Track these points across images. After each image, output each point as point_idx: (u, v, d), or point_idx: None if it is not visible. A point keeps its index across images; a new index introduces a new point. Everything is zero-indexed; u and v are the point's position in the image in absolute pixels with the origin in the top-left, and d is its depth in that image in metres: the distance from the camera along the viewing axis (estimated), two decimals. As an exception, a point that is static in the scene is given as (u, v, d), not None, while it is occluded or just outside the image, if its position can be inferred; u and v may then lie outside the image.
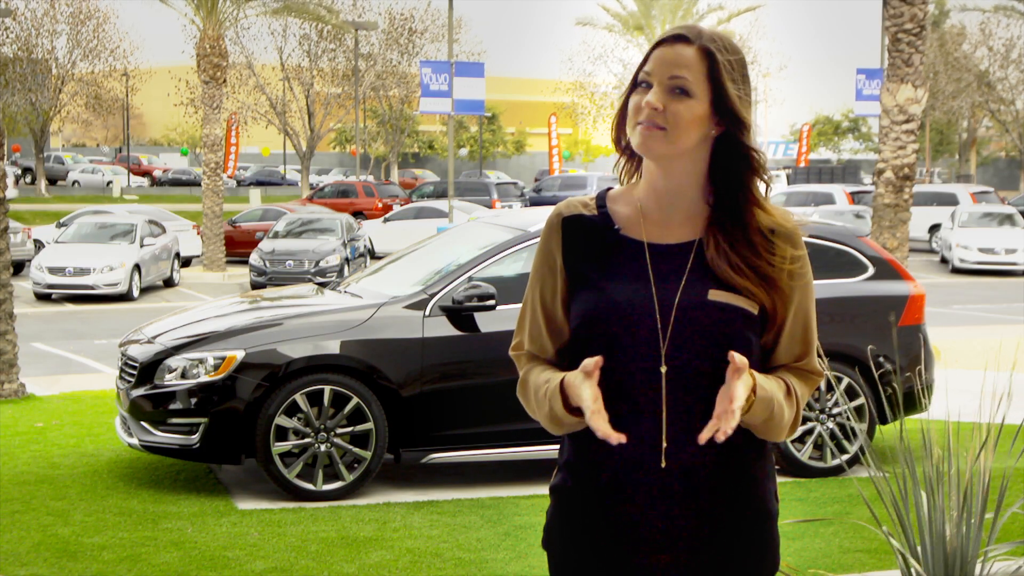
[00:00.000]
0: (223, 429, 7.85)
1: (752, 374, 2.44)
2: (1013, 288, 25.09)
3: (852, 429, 8.57)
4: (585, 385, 2.41)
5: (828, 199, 37.22)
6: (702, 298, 2.49)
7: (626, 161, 2.63)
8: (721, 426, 2.36)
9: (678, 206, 2.57)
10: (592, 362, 2.41)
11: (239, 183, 66.37)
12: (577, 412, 2.48)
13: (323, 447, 7.89)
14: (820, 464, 8.55)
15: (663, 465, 2.48)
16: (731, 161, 2.55)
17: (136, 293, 23.73)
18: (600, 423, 2.39)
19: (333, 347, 7.94)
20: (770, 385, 2.48)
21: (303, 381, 7.87)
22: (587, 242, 2.58)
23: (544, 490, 2.71)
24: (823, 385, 8.52)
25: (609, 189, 2.67)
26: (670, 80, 2.48)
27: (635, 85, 2.54)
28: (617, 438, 2.38)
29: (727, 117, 2.52)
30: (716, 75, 2.49)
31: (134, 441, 8.13)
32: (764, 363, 2.58)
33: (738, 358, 2.36)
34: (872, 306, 8.65)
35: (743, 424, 2.48)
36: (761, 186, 2.57)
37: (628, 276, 2.53)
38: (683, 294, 2.50)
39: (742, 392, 2.37)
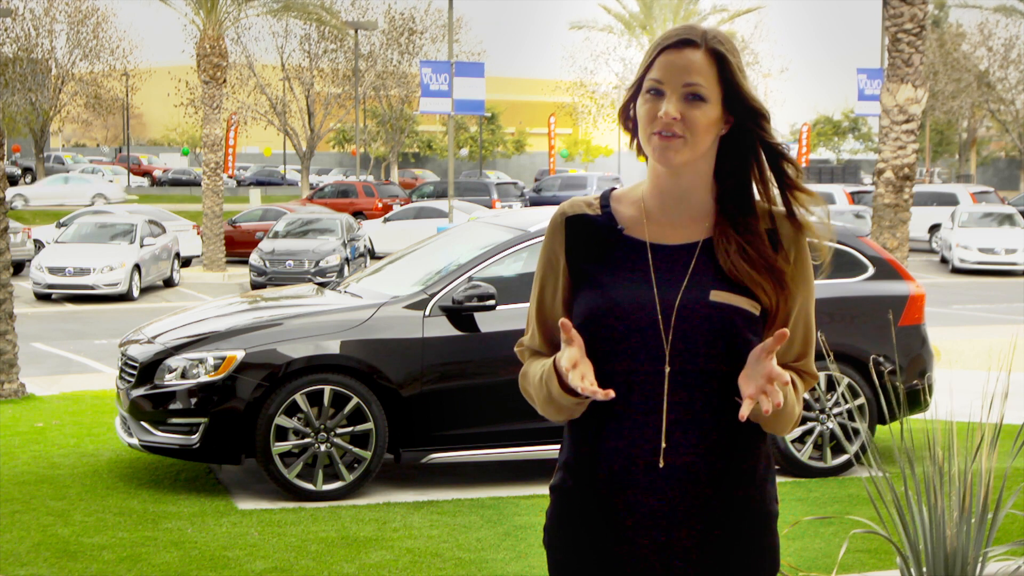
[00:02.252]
0: (223, 429, 7.85)
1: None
2: (1013, 288, 25.10)
3: (852, 429, 8.58)
4: (566, 349, 2.41)
5: (828, 199, 37.19)
6: (704, 298, 2.50)
7: (635, 140, 2.62)
8: (772, 400, 2.34)
9: (684, 207, 2.58)
10: (571, 328, 2.40)
11: (239, 183, 66.38)
12: (573, 392, 2.47)
13: (323, 447, 7.89)
14: (820, 464, 8.55)
15: (661, 465, 2.48)
16: (747, 157, 2.56)
17: (136, 293, 23.74)
18: (577, 380, 2.37)
19: (333, 347, 7.94)
20: (785, 372, 2.49)
21: (303, 381, 7.86)
22: (590, 242, 2.59)
23: (544, 490, 2.71)
24: (823, 385, 8.52)
25: (613, 189, 2.69)
26: (685, 87, 2.48)
27: (639, 89, 2.53)
28: (604, 394, 2.36)
29: (743, 114, 2.52)
30: (728, 76, 2.50)
31: (134, 441, 8.13)
32: None
33: (772, 340, 2.35)
34: (872, 306, 8.65)
35: (752, 418, 2.48)
36: (791, 170, 2.57)
37: (630, 276, 2.54)
38: (684, 294, 2.50)
39: (780, 369, 2.36)
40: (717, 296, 2.50)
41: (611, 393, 2.37)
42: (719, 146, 2.56)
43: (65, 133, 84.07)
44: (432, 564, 6.48)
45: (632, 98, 2.56)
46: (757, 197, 2.60)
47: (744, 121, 2.54)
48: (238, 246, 30.99)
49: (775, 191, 2.59)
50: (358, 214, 38.72)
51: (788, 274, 2.53)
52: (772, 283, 2.52)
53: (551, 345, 2.63)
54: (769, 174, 2.58)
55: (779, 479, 8.21)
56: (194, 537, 6.97)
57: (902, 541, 5.06)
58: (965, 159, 66.61)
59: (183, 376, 7.92)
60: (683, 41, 2.51)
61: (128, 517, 7.38)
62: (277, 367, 7.85)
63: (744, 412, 2.36)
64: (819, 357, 6.94)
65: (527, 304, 2.73)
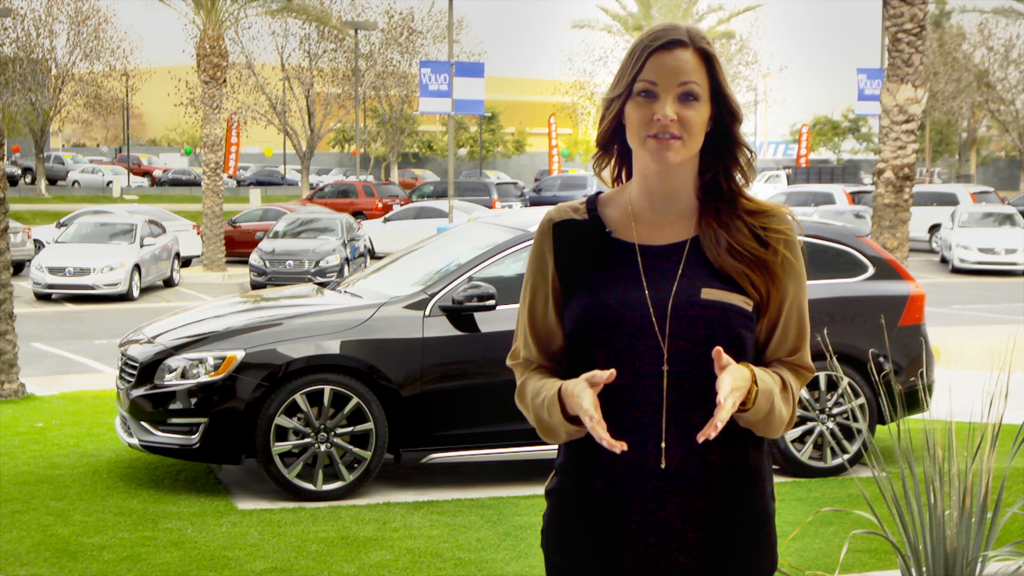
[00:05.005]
0: (223, 429, 7.85)
1: (748, 366, 2.45)
2: (1013, 288, 25.09)
3: (852, 429, 8.58)
4: (586, 394, 2.40)
5: (828, 199, 37.24)
6: (695, 297, 2.50)
7: (602, 157, 2.63)
8: (712, 419, 2.36)
9: (672, 207, 2.58)
10: (604, 375, 2.40)
11: (239, 183, 66.38)
12: (575, 421, 2.47)
13: (323, 447, 7.89)
14: (820, 464, 8.54)
15: (663, 466, 2.48)
16: (723, 153, 2.57)
17: (136, 293, 23.73)
18: (602, 432, 2.37)
19: (333, 347, 7.94)
20: (767, 377, 2.49)
21: (303, 381, 7.86)
22: (579, 246, 2.59)
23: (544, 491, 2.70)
24: (823, 385, 8.53)
25: (599, 193, 2.68)
26: (680, 87, 2.49)
27: (629, 94, 2.52)
28: (620, 447, 2.37)
29: (724, 113, 2.55)
30: (715, 75, 2.53)
31: (134, 441, 8.13)
32: (758, 358, 2.59)
33: (724, 357, 2.37)
34: (872, 306, 8.65)
35: (744, 423, 2.49)
36: (739, 177, 2.60)
37: (621, 279, 2.53)
38: (676, 294, 2.50)
39: (728, 383, 2.36)
40: (708, 294, 2.51)
41: (624, 446, 2.38)
42: (704, 142, 2.57)
43: (65, 133, 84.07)
44: (432, 564, 6.48)
45: (620, 109, 2.54)
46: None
47: (723, 120, 2.55)
48: (238, 246, 30.98)
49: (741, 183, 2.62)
50: (358, 214, 38.72)
51: (774, 261, 2.54)
52: (760, 275, 2.53)
53: (547, 355, 2.63)
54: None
55: (779, 479, 8.23)
56: (194, 537, 6.97)
57: (902, 541, 5.06)
58: (965, 159, 66.59)
59: (183, 376, 7.92)
60: (673, 41, 2.51)
61: (128, 517, 7.38)
62: (277, 367, 7.85)
63: (701, 435, 2.36)
64: (820, 357, 6.95)
65: None
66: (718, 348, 2.38)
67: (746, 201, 2.58)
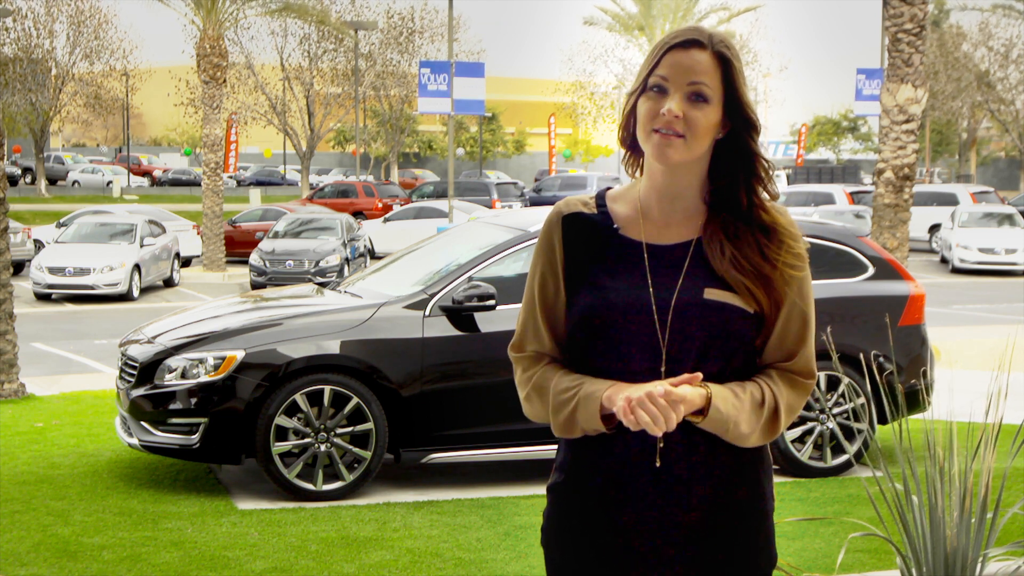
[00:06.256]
0: (223, 429, 7.85)
1: (711, 391, 2.42)
2: (1013, 288, 25.09)
3: (852, 429, 8.58)
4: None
5: (828, 199, 37.25)
6: (698, 297, 2.50)
7: (631, 156, 2.64)
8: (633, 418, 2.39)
9: (678, 206, 2.58)
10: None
11: (239, 183, 66.40)
12: (606, 420, 2.47)
13: (323, 447, 7.89)
14: (820, 464, 8.55)
15: (657, 465, 2.48)
16: (736, 163, 2.55)
17: (136, 293, 23.73)
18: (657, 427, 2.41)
19: (333, 347, 7.94)
20: (727, 406, 2.45)
21: (303, 381, 7.86)
22: (586, 240, 2.59)
23: (544, 490, 2.71)
24: (823, 385, 8.53)
25: (608, 189, 2.69)
26: (689, 86, 2.48)
27: (644, 88, 2.53)
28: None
29: (739, 121, 2.53)
30: (731, 80, 2.51)
31: (134, 441, 8.13)
32: (754, 361, 2.57)
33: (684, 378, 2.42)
34: (872, 306, 8.65)
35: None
36: (764, 193, 2.58)
37: (626, 276, 2.54)
38: (680, 294, 2.50)
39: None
40: (711, 295, 2.50)
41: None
42: (713, 149, 2.56)
43: (65, 133, 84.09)
44: (432, 564, 6.48)
45: (634, 104, 2.55)
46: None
47: (739, 129, 2.54)
48: (238, 246, 30.98)
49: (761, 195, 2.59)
50: (358, 214, 38.72)
51: (777, 278, 2.52)
52: (761, 289, 2.52)
53: (558, 342, 2.62)
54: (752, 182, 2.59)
55: (779, 479, 8.23)
56: (194, 537, 6.97)
57: (902, 541, 5.06)
58: (965, 159, 66.58)
59: (183, 376, 7.92)
60: (690, 41, 2.51)
61: (128, 517, 7.38)
62: (277, 367, 7.85)
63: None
64: (823, 357, 6.94)
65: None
66: (666, 383, 2.40)
67: (765, 215, 2.56)
